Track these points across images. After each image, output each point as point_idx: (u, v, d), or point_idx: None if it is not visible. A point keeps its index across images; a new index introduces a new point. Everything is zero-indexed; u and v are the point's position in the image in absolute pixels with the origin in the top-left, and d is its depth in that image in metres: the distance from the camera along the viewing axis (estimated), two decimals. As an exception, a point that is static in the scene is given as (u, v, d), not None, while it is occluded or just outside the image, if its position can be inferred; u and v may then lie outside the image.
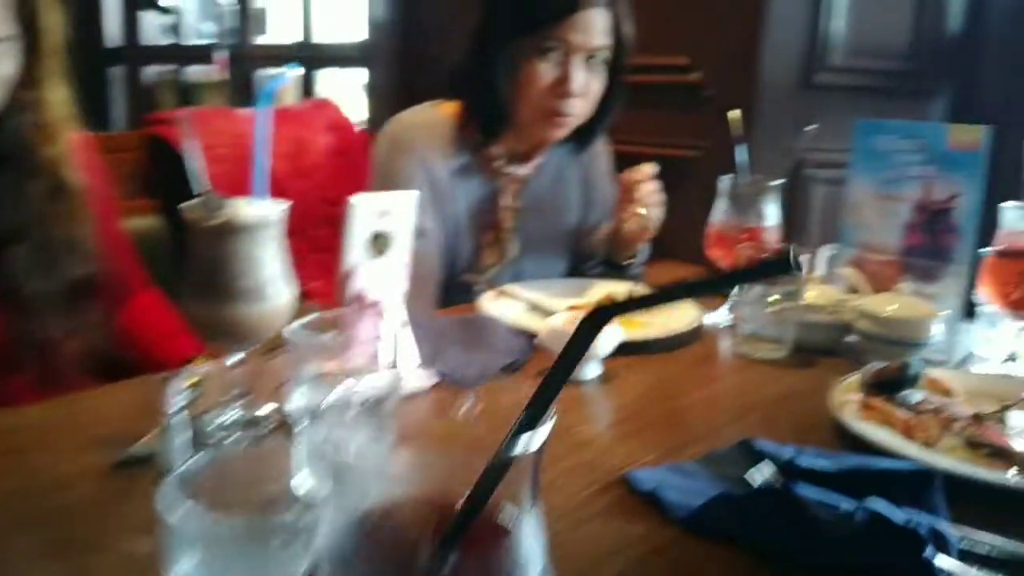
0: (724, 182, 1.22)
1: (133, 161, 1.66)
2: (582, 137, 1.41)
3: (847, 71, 1.84)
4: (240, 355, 0.78)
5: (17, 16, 0.94)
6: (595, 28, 1.27)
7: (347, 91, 3.39)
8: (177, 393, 0.87)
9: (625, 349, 0.98)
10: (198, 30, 3.93)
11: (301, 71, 0.98)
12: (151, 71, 4.24)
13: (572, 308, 1.20)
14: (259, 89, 0.83)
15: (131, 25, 4.11)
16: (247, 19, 3.47)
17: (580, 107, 1.32)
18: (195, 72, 3.97)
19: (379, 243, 0.89)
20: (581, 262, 1.55)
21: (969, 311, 1.14)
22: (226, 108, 1.81)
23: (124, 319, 1.15)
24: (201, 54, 3.77)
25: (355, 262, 0.88)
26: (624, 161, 1.37)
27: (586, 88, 1.30)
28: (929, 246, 1.10)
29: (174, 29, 3.97)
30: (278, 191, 1.82)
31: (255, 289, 0.75)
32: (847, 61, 1.84)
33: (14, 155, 1.00)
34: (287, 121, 1.90)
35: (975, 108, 1.89)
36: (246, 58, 3.50)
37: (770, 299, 1.06)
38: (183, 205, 0.77)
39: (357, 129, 2.09)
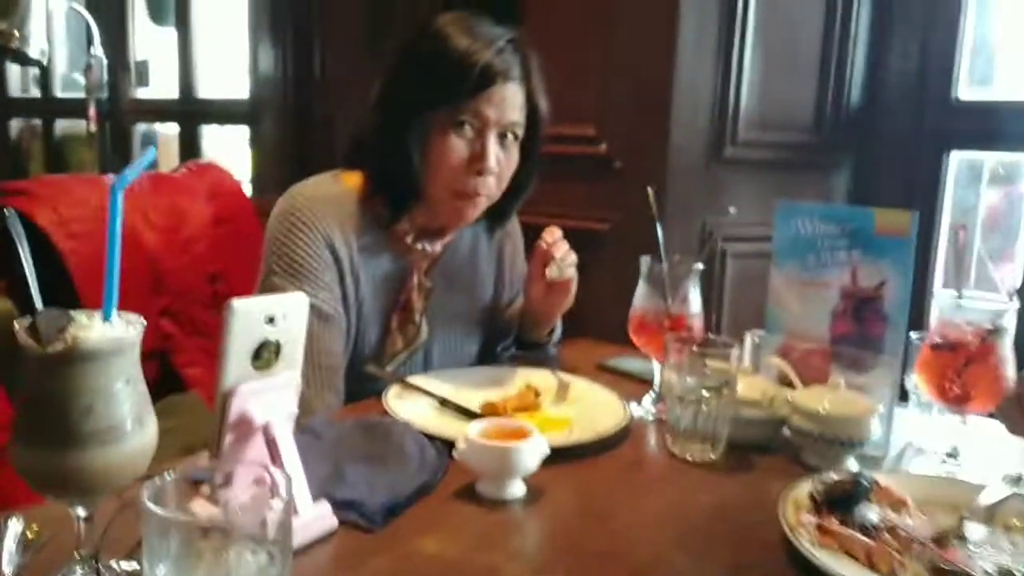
0: (645, 263, 1.15)
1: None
2: (496, 214, 1.33)
3: (755, 145, 1.85)
4: (86, 510, 0.63)
5: None
6: (510, 103, 1.19)
7: (231, 148, 3.22)
8: (8, 547, 0.70)
9: (550, 455, 0.88)
10: (71, 82, 3.67)
11: (154, 155, 0.84)
12: (16, 124, 3.94)
13: (488, 406, 1.09)
14: (120, 170, 0.70)
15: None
16: (127, 71, 3.25)
17: (494, 185, 1.24)
18: (65, 126, 3.70)
19: (266, 355, 0.76)
20: (493, 343, 1.45)
21: (902, 397, 1.10)
22: (93, 175, 1.63)
23: None
24: (73, 107, 3.51)
25: (237, 378, 0.74)
26: (534, 233, 1.29)
27: (500, 166, 1.22)
28: (858, 334, 1.06)
29: (43, 81, 3.70)
30: (153, 269, 1.64)
31: (108, 429, 0.60)
32: (754, 135, 1.85)
33: None
34: (164, 188, 1.72)
35: (877, 181, 1.93)
36: (124, 112, 3.28)
37: (703, 392, 0.98)
38: (16, 327, 0.61)
39: (242, 192, 1.93)
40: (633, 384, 1.26)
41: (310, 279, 1.20)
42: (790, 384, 1.07)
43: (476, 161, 1.20)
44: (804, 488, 0.84)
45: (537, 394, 1.13)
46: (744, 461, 0.99)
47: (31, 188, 1.52)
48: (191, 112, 3.12)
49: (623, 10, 1.76)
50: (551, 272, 1.25)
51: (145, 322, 0.66)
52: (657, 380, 1.16)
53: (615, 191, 1.77)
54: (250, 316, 0.74)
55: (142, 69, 3.35)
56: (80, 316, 0.63)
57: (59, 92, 3.68)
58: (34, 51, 2.69)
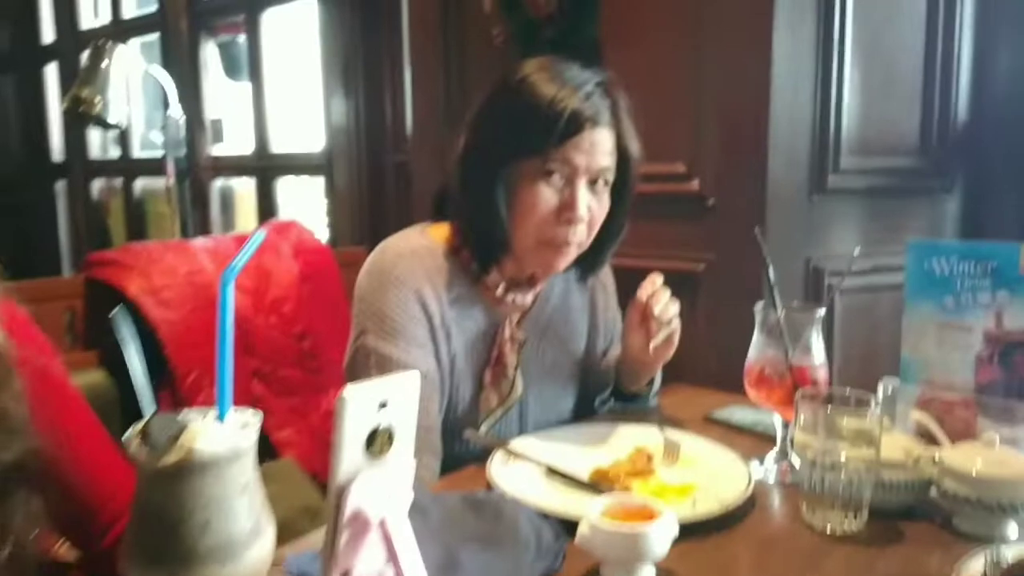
0: (760, 311, 1.07)
1: (71, 309, 1.46)
2: (588, 263, 1.28)
3: (858, 172, 1.74)
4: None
5: None
6: (600, 149, 1.14)
7: (306, 200, 3.25)
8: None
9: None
10: (148, 141, 3.78)
11: (262, 239, 0.82)
12: (98, 184, 4.08)
13: (599, 474, 1.02)
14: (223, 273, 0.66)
15: (78, 139, 3.96)
16: (202, 129, 3.33)
17: (585, 233, 1.19)
18: (144, 184, 3.81)
19: (379, 442, 0.71)
20: (590, 396, 1.39)
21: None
22: (179, 242, 1.63)
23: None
24: (151, 166, 3.62)
25: (351, 471, 0.69)
26: (625, 276, 1.22)
27: (591, 213, 1.17)
28: (1006, 382, 0.96)
29: (122, 142, 3.82)
30: (242, 331, 1.63)
31: (227, 544, 0.56)
32: (857, 162, 1.74)
33: None
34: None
35: (990, 205, 1.80)
36: (201, 168, 3.35)
37: (841, 455, 0.89)
38: (125, 438, 0.58)
39: (324, 248, 1.92)
40: (747, 439, 1.18)
41: (403, 337, 1.16)
42: (934, 440, 0.97)
43: (566, 210, 1.15)
44: (974, 567, 0.74)
45: (650, 458, 1.06)
46: (890, 530, 0.90)
47: (120, 258, 1.53)
48: (266, 166, 3.17)
49: (710, 40, 1.69)
50: (655, 342, 1.19)
51: (262, 415, 0.62)
52: (779, 437, 1.08)
53: (709, 230, 1.69)
54: (362, 403, 0.69)
55: (217, 126, 3.42)
56: (193, 420, 0.59)
57: (138, 151, 3.79)
58: (114, 116, 2.76)
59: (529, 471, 1.05)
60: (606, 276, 1.43)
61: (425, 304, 1.18)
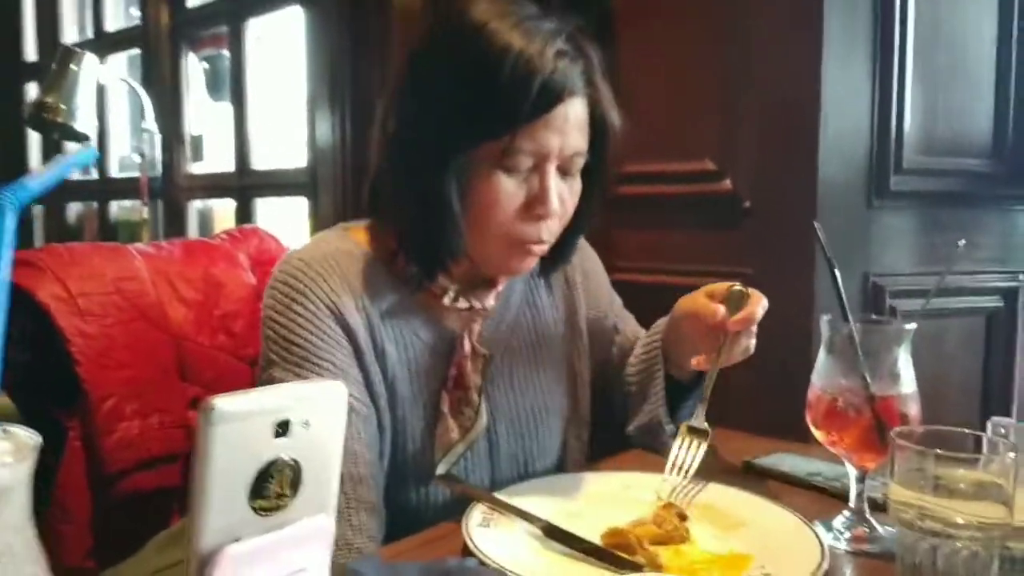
0: (827, 326, 0.82)
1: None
2: (551, 257, 1.01)
3: (923, 174, 1.49)
4: None
5: None
6: (574, 124, 0.89)
7: (287, 221, 3.03)
8: None
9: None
10: (129, 163, 3.57)
11: (91, 157, 0.61)
12: (74, 207, 3.87)
13: (614, 535, 0.75)
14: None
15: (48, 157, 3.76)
16: (181, 147, 3.11)
17: (557, 227, 0.94)
18: (121, 206, 3.59)
19: (274, 487, 0.45)
20: (613, 415, 1.11)
21: None
22: (116, 245, 1.39)
23: None
24: (128, 187, 3.40)
25: (222, 533, 0.43)
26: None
27: (563, 205, 0.92)
28: None
29: (99, 163, 3.62)
30: (180, 351, 1.36)
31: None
32: (921, 162, 1.49)
33: None
34: (198, 256, 1.47)
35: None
36: (179, 188, 3.13)
37: (957, 519, 0.63)
38: None
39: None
40: (800, 495, 0.92)
41: (318, 364, 0.90)
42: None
43: (535, 204, 0.90)
44: None
45: (683, 517, 0.79)
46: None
47: (36, 259, 1.28)
48: (247, 185, 2.95)
49: (748, 17, 1.43)
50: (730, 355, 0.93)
51: (41, 440, 0.36)
52: (853, 492, 0.81)
53: (747, 236, 1.41)
54: (245, 424, 0.43)
55: (197, 144, 3.21)
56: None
57: (116, 173, 3.59)
58: (81, 124, 2.55)
59: (520, 531, 0.78)
60: (582, 253, 1.15)
61: (343, 319, 0.93)
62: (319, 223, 2.68)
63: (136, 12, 3.43)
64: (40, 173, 0.42)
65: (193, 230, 3.21)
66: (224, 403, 0.42)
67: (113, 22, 3.54)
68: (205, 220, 3.27)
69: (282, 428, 0.45)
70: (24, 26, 3.97)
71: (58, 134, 2.58)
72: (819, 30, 1.37)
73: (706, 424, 0.91)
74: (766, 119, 1.41)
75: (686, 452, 0.89)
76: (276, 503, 0.45)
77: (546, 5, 0.94)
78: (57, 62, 2.51)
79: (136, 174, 3.10)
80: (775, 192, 1.39)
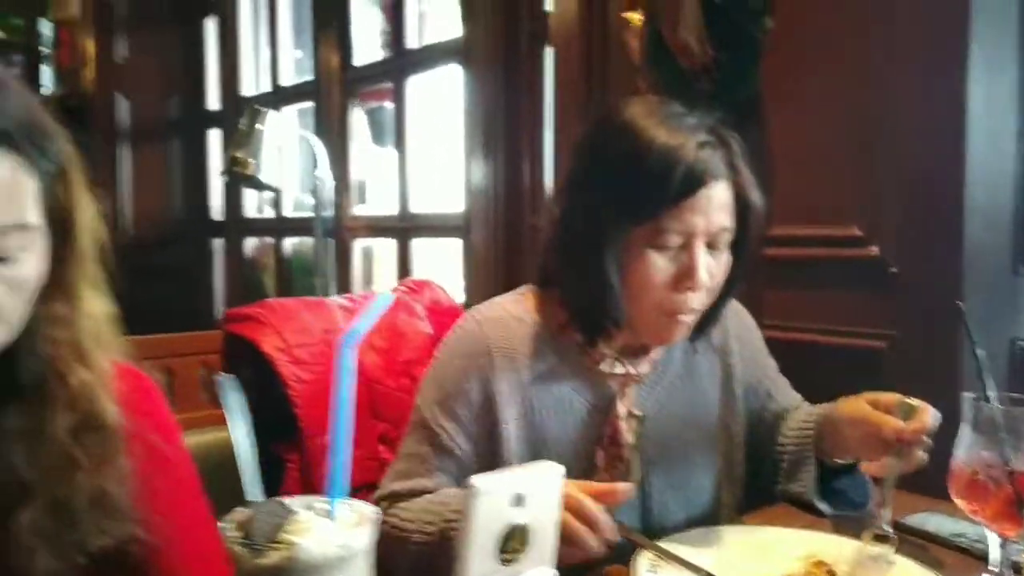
0: (969, 404, 0.89)
1: (206, 364, 1.45)
2: (703, 321, 1.13)
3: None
4: None
5: (43, 206, 0.73)
6: (719, 206, 1.01)
7: (443, 262, 3.25)
8: None
9: None
10: (300, 203, 3.94)
11: (388, 302, 0.80)
12: (251, 242, 4.28)
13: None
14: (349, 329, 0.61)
15: (234, 199, 4.18)
16: (347, 191, 3.42)
17: (706, 299, 1.06)
18: (294, 243, 3.96)
19: (513, 543, 0.60)
20: (762, 473, 1.21)
21: None
22: (318, 299, 1.61)
23: None
24: (300, 226, 3.76)
25: (484, 574, 0.58)
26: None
27: (711, 278, 1.03)
28: None
29: (275, 203, 4.00)
30: (372, 393, 1.58)
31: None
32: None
33: (37, 383, 0.77)
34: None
35: None
36: (345, 228, 3.43)
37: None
38: (222, 527, 0.49)
39: (459, 310, 1.86)
40: (945, 554, 0.98)
41: (445, 408, 1.11)
42: None
43: (684, 278, 1.02)
44: None
45: (832, 575, 0.88)
46: None
47: (256, 314, 1.51)
48: (407, 227, 3.20)
49: (890, 90, 1.49)
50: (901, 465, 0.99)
51: (380, 512, 0.53)
52: (995, 557, 0.88)
53: (892, 302, 1.46)
54: (495, 497, 0.59)
55: (362, 188, 3.51)
56: (301, 511, 0.50)
57: (290, 211, 3.95)
58: (266, 176, 2.89)
59: (680, 579, 0.90)
60: (738, 323, 1.26)
61: (487, 381, 1.10)
62: (472, 263, 2.88)
63: (308, 62, 3.80)
64: (360, 318, 0.59)
65: (358, 266, 3.50)
66: (481, 482, 0.58)
67: (286, 77, 3.92)
68: (368, 258, 3.56)
69: (518, 500, 0.60)
70: (207, 80, 4.45)
71: (247, 184, 2.93)
72: (962, 99, 1.40)
73: (891, 530, 0.96)
74: (910, 188, 1.45)
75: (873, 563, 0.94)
76: (513, 556, 0.60)
77: (693, 102, 1.08)
78: (247, 122, 2.85)
79: (307, 214, 3.44)
80: (920, 258, 1.43)
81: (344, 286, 3.48)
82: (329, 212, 3.39)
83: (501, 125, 2.69)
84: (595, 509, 0.85)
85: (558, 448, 1.11)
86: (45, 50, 5.51)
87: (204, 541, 0.88)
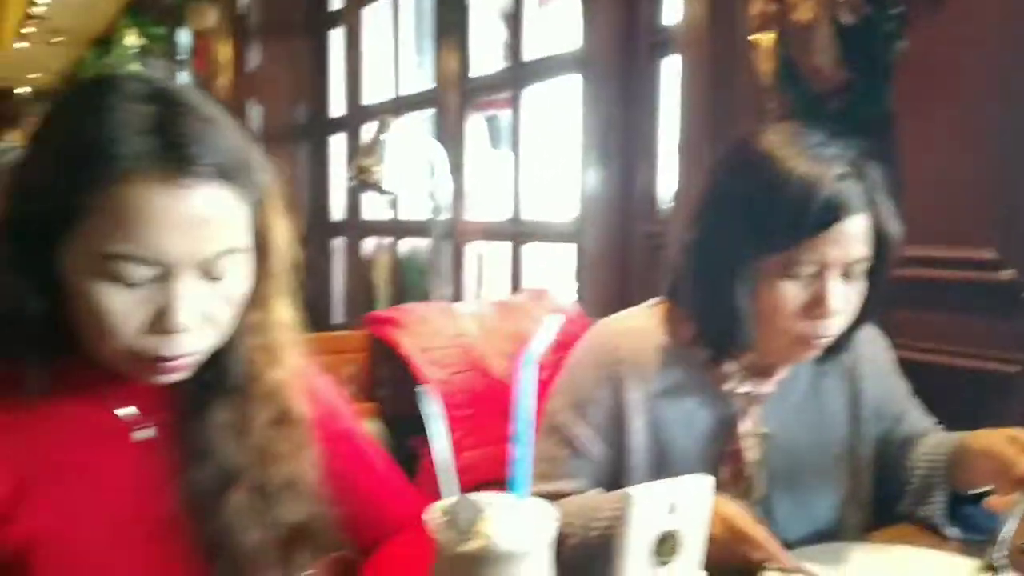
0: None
1: (354, 363, 1.57)
2: (835, 347, 1.14)
3: None
4: None
5: (251, 230, 0.84)
6: (856, 238, 1.03)
7: (552, 267, 3.33)
8: None
9: None
10: (416, 206, 4.09)
11: (559, 323, 0.87)
12: (369, 243, 4.47)
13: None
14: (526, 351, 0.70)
15: (354, 201, 4.39)
16: (462, 196, 3.55)
17: (838, 326, 1.08)
18: (410, 244, 4.12)
19: (667, 548, 0.67)
20: (890, 493, 1.23)
21: None
22: (445, 304, 1.72)
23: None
24: (416, 228, 3.91)
25: (636, 577, 0.65)
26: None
27: (845, 306, 1.05)
28: None
29: (392, 205, 4.17)
30: (501, 396, 1.67)
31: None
32: None
33: (240, 382, 0.90)
34: (508, 315, 1.76)
35: None
36: (459, 233, 3.56)
37: None
38: (427, 516, 0.58)
39: (578, 317, 1.93)
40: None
41: (579, 411, 1.17)
42: None
43: (816, 306, 1.04)
44: None
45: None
46: None
47: (394, 317, 1.63)
48: (519, 232, 3.29)
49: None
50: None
51: (556, 514, 0.60)
52: None
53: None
54: (651, 505, 0.65)
55: (475, 193, 3.63)
56: (492, 506, 0.58)
57: (405, 214, 4.11)
58: (389, 183, 3.05)
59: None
60: (872, 345, 1.26)
61: (619, 390, 1.14)
62: (584, 269, 2.94)
63: (427, 71, 3.95)
64: (539, 340, 0.67)
65: (471, 270, 3.62)
66: (638, 492, 0.64)
67: (406, 86, 4.08)
68: (480, 261, 3.68)
69: (672, 508, 0.66)
70: (330, 88, 4.68)
71: (372, 190, 3.10)
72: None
73: (1006, 562, 0.96)
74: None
75: None
76: (666, 559, 0.66)
77: (824, 123, 1.10)
78: (376, 132, 3.02)
79: (423, 217, 3.58)
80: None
81: (456, 288, 3.61)
82: (445, 216, 3.53)
83: (617, 134, 2.74)
84: (743, 523, 0.91)
85: (682, 461, 1.16)
86: (183, 57, 5.93)
87: (393, 499, 1.01)
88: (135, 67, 7.25)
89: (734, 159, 1.13)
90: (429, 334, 1.59)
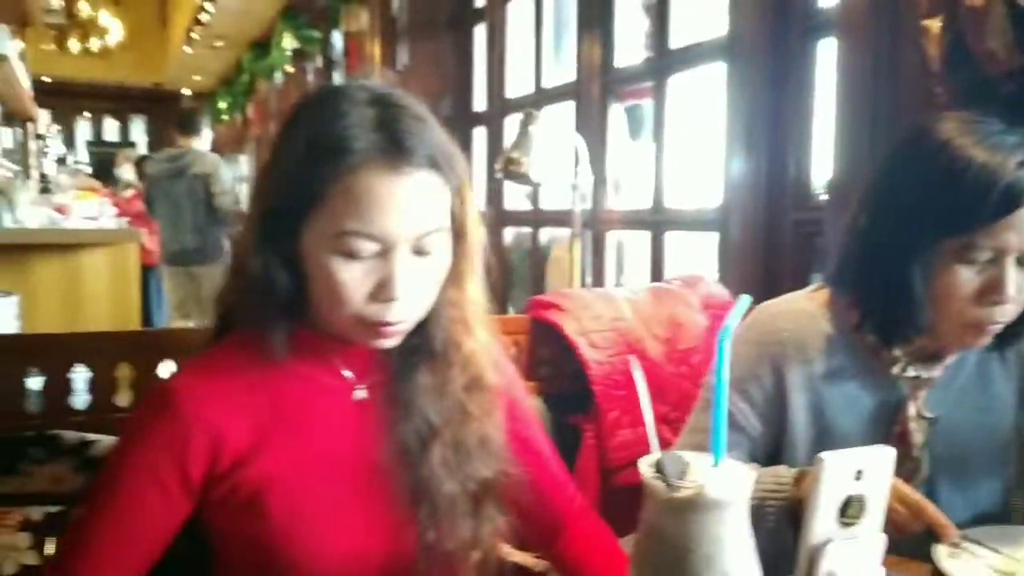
0: None
1: (516, 344, 1.68)
2: (1008, 333, 1.14)
3: None
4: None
5: (451, 212, 0.96)
6: None
7: (693, 255, 3.34)
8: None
9: None
10: (556, 195, 4.20)
11: (748, 302, 0.93)
12: (508, 232, 4.62)
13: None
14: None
15: (495, 191, 4.54)
16: (603, 186, 3.61)
17: (1013, 312, 1.08)
18: (549, 234, 4.23)
19: (851, 511, 0.72)
20: None
21: None
22: (603, 290, 1.79)
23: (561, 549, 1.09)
24: (555, 218, 4.01)
25: (824, 535, 0.71)
26: None
27: (1020, 292, 1.05)
28: None
29: (533, 195, 4.29)
30: (655, 377, 1.73)
31: (722, 579, 0.61)
32: None
33: (442, 349, 1.01)
34: (663, 300, 1.83)
35: None
36: (600, 221, 3.63)
37: None
38: (641, 466, 0.66)
39: (732, 304, 1.96)
40: None
41: (737, 388, 1.19)
42: None
43: (991, 292, 1.05)
44: None
45: None
46: None
47: (557, 302, 1.73)
48: (660, 220, 3.32)
49: None
50: None
51: (755, 474, 0.67)
52: None
53: None
54: (839, 470, 0.71)
55: (617, 182, 3.69)
56: (697, 462, 0.66)
57: (545, 204, 4.22)
58: (536, 175, 3.15)
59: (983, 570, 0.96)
60: None
61: (780, 370, 1.17)
62: (728, 257, 2.95)
63: (567, 64, 4.04)
64: (729, 317, 0.73)
65: (611, 258, 3.69)
66: (829, 457, 0.70)
67: (548, 79, 4.18)
68: (620, 250, 3.74)
69: (858, 474, 0.71)
70: (474, 83, 4.85)
71: (520, 182, 3.22)
72: None
73: None
74: None
75: None
76: (852, 521, 0.72)
77: (996, 108, 1.10)
78: (521, 123, 3.12)
79: (563, 207, 3.66)
80: None
81: (597, 276, 3.68)
82: (586, 205, 3.60)
83: (766, 119, 2.72)
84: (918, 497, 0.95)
85: (844, 442, 1.18)
86: (336, 59, 6.28)
87: (553, 473, 1.11)
88: (290, 68, 7.74)
89: (911, 146, 1.14)
90: (590, 318, 1.67)
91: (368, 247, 0.89)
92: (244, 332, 0.98)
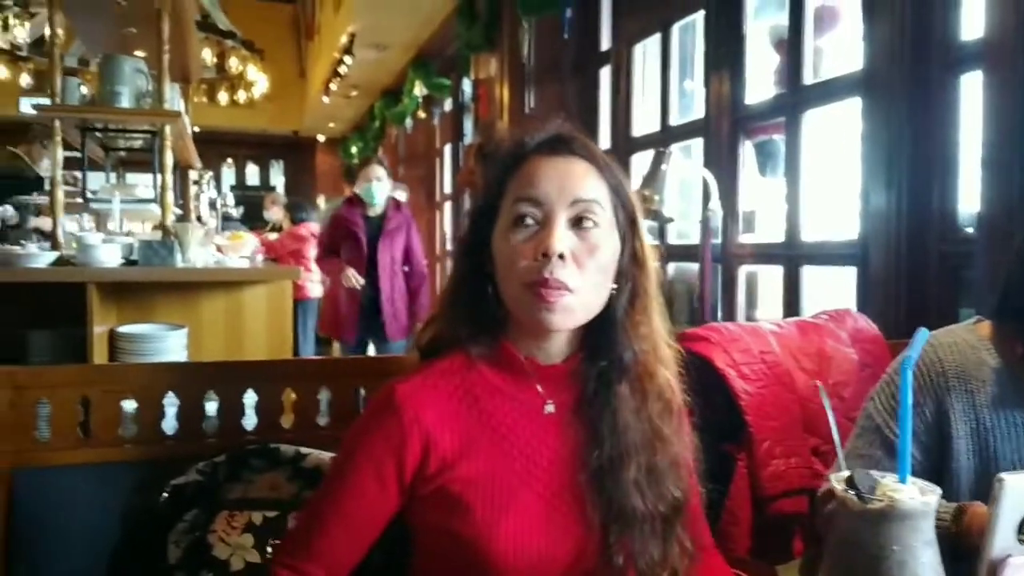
0: None
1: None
2: None
3: None
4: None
5: (611, 207, 1.09)
6: None
7: (830, 289, 3.30)
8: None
9: None
10: (684, 230, 4.25)
11: (926, 336, 0.99)
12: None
13: None
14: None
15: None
16: (735, 220, 3.64)
17: None
18: (676, 268, 4.27)
19: (1032, 529, 0.77)
20: None
21: None
22: (752, 326, 1.85)
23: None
24: (683, 252, 4.06)
25: (1003, 551, 0.76)
26: None
27: None
28: None
29: (659, 230, 4.35)
30: (804, 410, 1.76)
31: (914, 584, 0.68)
32: None
33: (638, 375, 1.10)
34: (810, 334, 1.86)
35: None
36: (732, 255, 3.65)
37: None
38: (833, 478, 0.74)
39: (881, 338, 1.97)
40: None
41: (872, 416, 1.29)
42: None
43: None
44: None
45: None
46: None
47: (707, 335, 1.80)
48: (793, 255, 3.32)
49: None
50: None
51: (940, 492, 0.73)
52: None
53: None
54: (1019, 490, 0.76)
55: (748, 217, 3.71)
56: (886, 478, 0.73)
57: (673, 239, 4.28)
58: (667, 211, 3.23)
59: None
60: None
61: (942, 399, 1.23)
62: (869, 290, 2.91)
63: (691, 102, 4.11)
64: (910, 348, 0.81)
65: (741, 291, 3.70)
66: (1009, 478, 0.75)
67: (672, 118, 4.27)
68: (751, 283, 3.74)
69: (1038, 495, 0.76)
70: (599, 123, 4.99)
71: (652, 219, 3.30)
72: None
73: None
74: None
75: None
76: (1031, 538, 0.77)
77: None
78: (652, 162, 3.21)
79: (691, 241, 3.70)
80: None
81: (729, 310, 3.69)
82: (716, 240, 3.64)
83: (906, 152, 2.70)
84: None
85: (1008, 469, 1.21)
86: (466, 103, 6.58)
87: (698, 499, 1.19)
88: (422, 113, 8.14)
89: None
90: (739, 351, 1.74)
91: (532, 212, 1.04)
92: (455, 351, 1.11)
